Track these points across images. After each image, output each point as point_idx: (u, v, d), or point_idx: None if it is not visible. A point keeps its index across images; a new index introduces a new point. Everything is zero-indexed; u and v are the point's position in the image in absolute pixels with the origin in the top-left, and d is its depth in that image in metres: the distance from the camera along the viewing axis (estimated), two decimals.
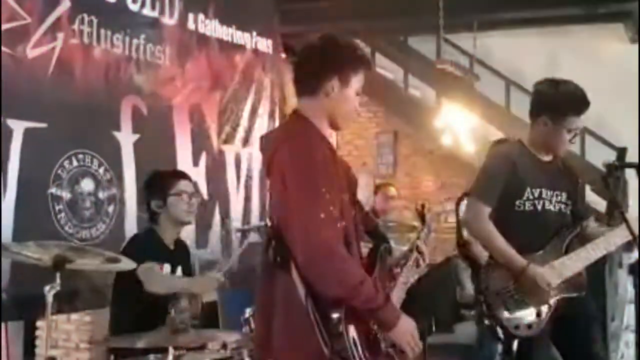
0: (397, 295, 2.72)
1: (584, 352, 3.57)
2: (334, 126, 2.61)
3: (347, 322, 2.37)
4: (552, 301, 3.48)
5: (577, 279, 3.52)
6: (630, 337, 5.09)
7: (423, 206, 3.21)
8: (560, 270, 3.46)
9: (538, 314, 3.47)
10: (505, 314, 3.50)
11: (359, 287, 2.35)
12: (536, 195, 3.56)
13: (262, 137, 2.73)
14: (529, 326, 3.48)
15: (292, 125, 2.61)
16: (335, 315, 2.35)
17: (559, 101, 3.53)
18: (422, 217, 3.14)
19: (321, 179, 2.37)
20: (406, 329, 2.46)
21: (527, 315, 3.48)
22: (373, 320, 2.43)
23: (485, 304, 3.58)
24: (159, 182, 3.86)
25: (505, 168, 3.58)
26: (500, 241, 3.49)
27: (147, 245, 3.74)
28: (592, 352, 3.57)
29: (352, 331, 2.38)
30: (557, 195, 3.60)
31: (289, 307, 2.41)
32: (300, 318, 2.36)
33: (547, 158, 3.65)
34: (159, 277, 3.63)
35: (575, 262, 3.50)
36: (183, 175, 3.96)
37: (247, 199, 5.61)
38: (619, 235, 3.48)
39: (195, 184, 4.10)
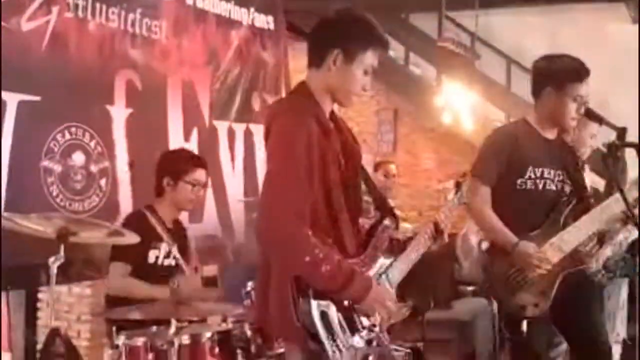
0: (400, 268, 2.70)
1: (585, 323, 3.60)
2: (336, 101, 2.60)
3: (319, 297, 2.38)
4: (557, 278, 3.47)
5: (579, 252, 3.53)
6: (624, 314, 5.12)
7: (465, 175, 3.13)
8: (559, 245, 3.47)
9: (542, 292, 3.48)
10: (511, 297, 3.52)
11: (316, 269, 2.34)
12: (538, 174, 3.55)
13: (266, 108, 2.74)
14: (536, 305, 3.49)
15: (290, 98, 2.64)
16: (308, 289, 2.37)
17: (558, 70, 3.54)
18: (457, 186, 3.05)
19: (297, 162, 2.38)
20: (374, 299, 2.46)
21: (532, 294, 3.49)
22: (340, 296, 2.42)
23: (491, 289, 3.61)
24: (178, 162, 3.90)
25: (507, 147, 3.57)
26: (493, 220, 3.50)
27: (146, 224, 3.79)
28: (593, 321, 3.62)
29: (323, 306, 2.39)
30: (558, 175, 3.60)
31: (277, 277, 2.44)
32: (283, 289, 2.39)
33: (552, 135, 3.64)
34: (122, 280, 3.68)
35: (575, 235, 3.50)
36: (203, 164, 3.99)
37: (249, 173, 5.61)
38: (615, 204, 3.48)
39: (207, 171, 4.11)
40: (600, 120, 4.02)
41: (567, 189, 3.63)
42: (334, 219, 2.48)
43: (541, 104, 3.61)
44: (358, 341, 2.46)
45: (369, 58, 2.55)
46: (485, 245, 3.66)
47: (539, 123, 3.63)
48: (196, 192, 3.92)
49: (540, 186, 3.55)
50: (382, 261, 2.63)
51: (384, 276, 2.61)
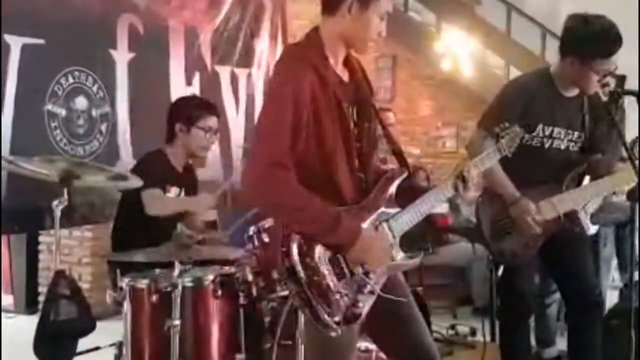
0: (407, 218, 2.62)
1: (572, 272, 3.64)
2: (353, 49, 2.60)
3: (305, 242, 2.40)
4: (543, 235, 3.51)
5: (573, 214, 3.55)
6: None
7: (507, 126, 2.88)
8: (556, 205, 3.49)
9: (527, 245, 3.53)
10: (494, 241, 3.58)
11: (299, 215, 2.38)
12: (547, 133, 3.53)
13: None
14: (514, 255, 3.56)
15: (295, 46, 2.61)
16: (293, 233, 2.40)
17: (587, 42, 3.35)
18: (496, 136, 2.85)
19: (284, 112, 2.38)
20: (363, 247, 2.43)
21: (514, 244, 3.54)
22: (327, 242, 2.41)
23: (477, 231, 3.65)
24: (191, 108, 3.90)
25: (521, 102, 3.49)
26: (497, 171, 3.48)
27: (156, 167, 3.81)
28: (581, 272, 3.64)
29: (305, 250, 2.40)
30: (569, 134, 3.57)
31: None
32: (278, 231, 2.43)
33: (571, 94, 3.56)
34: (160, 201, 3.70)
35: (574, 199, 3.52)
36: (215, 112, 4.00)
37: (249, 119, 5.66)
38: (622, 179, 3.49)
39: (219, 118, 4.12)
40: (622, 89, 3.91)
41: (577, 149, 3.60)
42: (330, 167, 2.49)
43: (564, 66, 3.49)
44: (344, 287, 2.43)
45: (384, 4, 2.54)
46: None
47: (560, 80, 3.54)
48: (208, 139, 3.93)
49: (547, 145, 3.54)
50: (384, 210, 2.59)
51: (385, 224, 2.57)
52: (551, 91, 3.53)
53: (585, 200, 3.56)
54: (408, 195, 2.65)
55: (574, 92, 3.56)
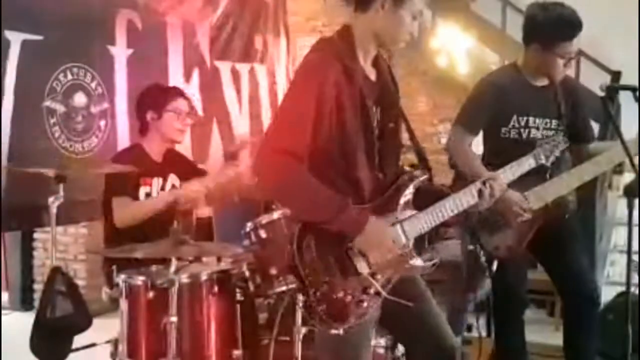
0: (422, 221, 2.53)
1: (568, 268, 3.65)
2: (382, 46, 2.59)
3: (311, 237, 2.41)
4: (534, 224, 3.52)
5: (561, 201, 3.56)
6: (617, 257, 5.21)
7: None
8: (542, 195, 3.50)
9: (518, 236, 3.55)
10: (487, 236, 3.58)
11: (307, 198, 2.39)
12: (522, 123, 3.55)
13: None
14: (509, 248, 3.57)
15: (326, 40, 2.59)
16: (309, 229, 2.40)
17: (548, 27, 3.44)
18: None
19: (304, 102, 2.38)
20: (371, 235, 2.41)
21: (508, 238, 3.55)
22: (336, 228, 2.39)
23: (468, 227, 3.65)
24: (158, 94, 3.89)
25: (492, 97, 3.55)
26: (477, 165, 3.51)
27: (136, 159, 3.77)
28: (576, 267, 3.65)
29: (310, 246, 2.40)
30: (546, 123, 3.59)
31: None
32: (285, 229, 2.44)
33: (542, 83, 3.61)
34: (126, 210, 3.67)
35: (558, 187, 3.53)
36: (182, 94, 3.99)
37: (254, 115, 5.65)
38: (605, 160, 3.50)
39: (190, 101, 4.10)
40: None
41: (556, 137, 3.56)
42: (351, 161, 2.48)
43: (528, 55, 3.57)
44: (349, 285, 2.43)
45: (417, 2, 2.52)
46: None
47: (527, 70, 3.59)
48: (182, 121, 3.90)
49: (525, 135, 3.56)
50: (398, 212, 2.53)
51: (398, 226, 2.51)
52: (521, 82, 3.58)
53: (571, 187, 3.57)
54: (427, 198, 2.59)
55: (544, 81, 3.61)
